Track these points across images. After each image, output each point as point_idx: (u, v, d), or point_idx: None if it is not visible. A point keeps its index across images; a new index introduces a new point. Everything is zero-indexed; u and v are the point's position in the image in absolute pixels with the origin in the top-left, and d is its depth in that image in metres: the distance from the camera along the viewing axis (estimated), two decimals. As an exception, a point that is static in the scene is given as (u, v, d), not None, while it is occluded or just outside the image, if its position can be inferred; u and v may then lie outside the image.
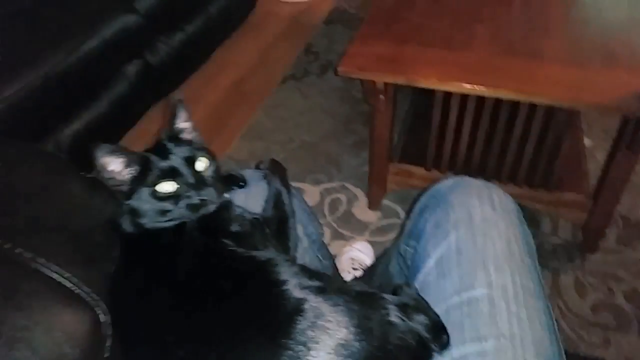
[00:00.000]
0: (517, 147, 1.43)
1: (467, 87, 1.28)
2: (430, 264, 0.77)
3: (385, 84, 1.38)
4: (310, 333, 0.59)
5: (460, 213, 0.79)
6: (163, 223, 0.73)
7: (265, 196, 0.91)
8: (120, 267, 0.72)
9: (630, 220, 1.66)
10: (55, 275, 0.63)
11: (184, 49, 2.14)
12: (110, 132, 1.90)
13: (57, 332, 0.59)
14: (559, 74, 1.30)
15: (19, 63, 1.58)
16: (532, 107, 1.33)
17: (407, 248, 0.89)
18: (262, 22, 2.74)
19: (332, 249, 1.20)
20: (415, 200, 0.92)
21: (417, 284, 0.78)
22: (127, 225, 0.74)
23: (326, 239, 1.60)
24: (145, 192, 0.71)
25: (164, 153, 0.74)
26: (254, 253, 0.72)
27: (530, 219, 0.83)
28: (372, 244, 1.61)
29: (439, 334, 0.67)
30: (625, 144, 1.31)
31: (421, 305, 0.70)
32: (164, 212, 0.72)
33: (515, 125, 1.39)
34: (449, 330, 0.68)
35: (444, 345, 0.66)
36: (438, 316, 0.69)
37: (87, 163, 0.86)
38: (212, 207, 0.74)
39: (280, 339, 0.58)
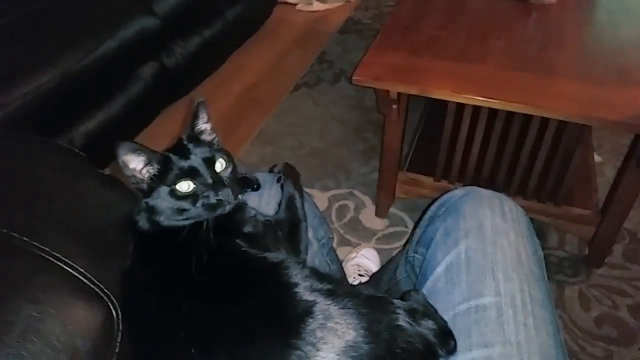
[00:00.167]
0: (527, 161, 1.44)
1: (479, 100, 1.29)
2: (439, 271, 0.78)
3: (399, 94, 1.40)
4: (319, 334, 0.60)
5: (471, 222, 0.80)
6: (180, 222, 0.74)
7: (278, 199, 0.92)
8: (134, 264, 0.73)
9: (637, 235, 1.67)
10: (69, 270, 0.64)
11: (199, 53, 2.16)
12: (124, 132, 1.92)
13: (70, 326, 0.60)
14: (572, 89, 1.31)
15: (37, 62, 1.61)
16: (544, 121, 1.34)
17: (416, 255, 0.90)
18: (277, 30, 2.77)
19: (339, 255, 1.21)
20: (426, 209, 0.93)
21: (425, 291, 0.79)
22: (143, 222, 0.75)
23: (333, 244, 1.61)
24: (164, 190, 0.72)
25: (184, 153, 0.75)
26: (266, 254, 0.73)
27: (538, 232, 0.83)
28: (379, 251, 1.62)
29: (446, 339, 0.68)
30: (635, 161, 1.31)
31: (429, 311, 0.71)
32: (181, 211, 0.73)
33: (527, 139, 1.40)
34: (456, 336, 0.69)
35: (451, 350, 0.67)
36: (445, 322, 0.70)
37: (101, 161, 0.88)
38: (228, 208, 0.75)
39: (290, 339, 0.59)
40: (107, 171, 0.88)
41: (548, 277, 0.79)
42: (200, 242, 0.72)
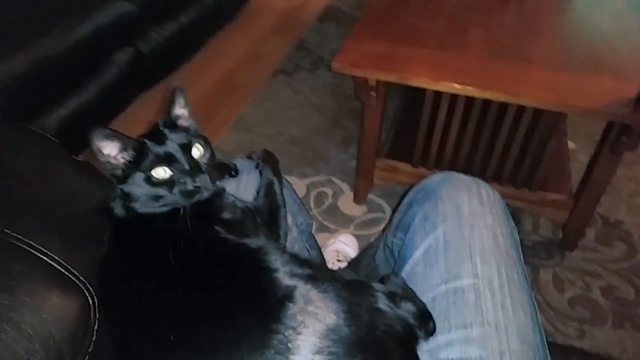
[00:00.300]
0: (503, 148, 1.47)
1: (457, 87, 1.31)
2: (417, 255, 0.79)
3: (377, 82, 1.40)
4: (300, 318, 0.60)
5: (448, 206, 0.81)
6: (156, 209, 0.73)
7: (256, 185, 0.92)
8: (110, 251, 0.72)
9: (609, 220, 1.72)
10: (44, 258, 0.63)
11: (176, 38, 2.13)
12: (97, 119, 1.88)
13: (44, 314, 0.59)
14: (548, 78, 1.33)
15: (8, 46, 1.56)
16: (520, 109, 1.36)
17: (395, 240, 0.91)
18: (255, 16, 2.74)
19: (317, 242, 1.22)
20: (404, 194, 0.94)
21: (404, 274, 0.79)
22: (119, 209, 0.74)
23: (312, 230, 1.62)
24: (139, 177, 0.71)
25: (160, 139, 0.73)
26: (245, 240, 0.73)
27: (513, 217, 0.85)
28: (357, 237, 1.63)
29: (426, 321, 0.68)
30: (608, 147, 1.34)
31: (408, 294, 0.72)
32: (157, 198, 0.72)
33: (502, 126, 1.42)
34: (435, 318, 0.70)
35: (430, 332, 0.68)
36: (424, 304, 0.71)
37: (75, 147, 0.86)
38: (206, 194, 0.74)
39: (270, 323, 0.59)
40: (80, 158, 0.87)
41: (523, 260, 0.81)
42: (178, 229, 0.72)
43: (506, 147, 1.46)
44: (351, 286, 0.67)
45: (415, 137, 1.54)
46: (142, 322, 0.64)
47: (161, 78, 2.14)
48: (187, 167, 0.72)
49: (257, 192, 0.90)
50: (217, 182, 0.78)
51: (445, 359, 0.67)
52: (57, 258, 0.64)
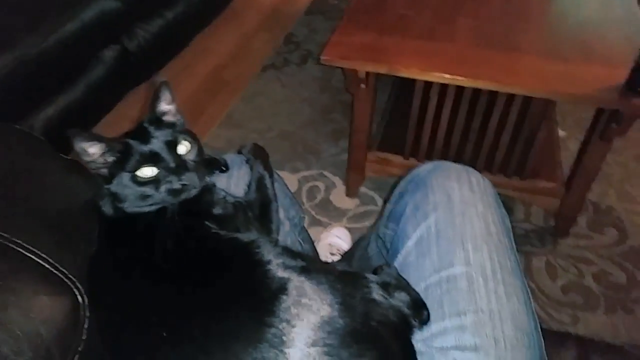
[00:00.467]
0: (493, 137, 1.47)
1: (447, 77, 1.30)
2: (410, 244, 0.79)
3: (367, 73, 1.40)
4: (294, 311, 0.59)
5: (439, 195, 0.81)
6: (144, 208, 0.72)
7: (247, 180, 0.91)
8: (101, 249, 0.72)
9: (600, 206, 1.72)
10: (31, 256, 0.62)
11: (162, 35, 2.11)
12: (86, 117, 1.87)
13: (32, 313, 0.58)
14: (537, 66, 1.33)
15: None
16: (510, 98, 1.37)
17: (387, 231, 0.91)
18: (242, 11, 2.71)
19: (310, 235, 1.22)
20: (395, 185, 0.93)
21: (397, 265, 0.79)
22: (107, 208, 0.73)
23: (304, 224, 1.62)
24: (125, 177, 0.70)
25: (144, 137, 0.72)
26: (237, 235, 0.72)
27: (504, 206, 0.85)
28: (350, 230, 1.63)
29: (420, 310, 0.69)
30: (598, 134, 1.35)
31: (402, 284, 0.72)
32: (145, 197, 0.71)
33: (493, 115, 1.42)
34: (429, 306, 0.70)
35: (424, 320, 0.68)
36: (418, 293, 0.71)
37: (63, 146, 0.85)
38: (194, 192, 0.73)
39: (264, 317, 0.59)
40: (73, 155, 0.85)
41: (516, 249, 0.81)
42: (168, 226, 0.71)
43: (496, 137, 1.46)
44: (345, 277, 0.67)
45: (406, 129, 1.54)
46: (135, 319, 0.64)
47: (149, 75, 2.12)
48: (173, 165, 0.71)
49: (248, 187, 0.89)
50: (207, 178, 0.78)
51: (440, 347, 0.67)
52: (45, 256, 0.63)
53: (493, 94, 1.36)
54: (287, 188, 1.06)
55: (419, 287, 0.72)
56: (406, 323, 0.66)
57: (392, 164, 1.63)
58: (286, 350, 0.57)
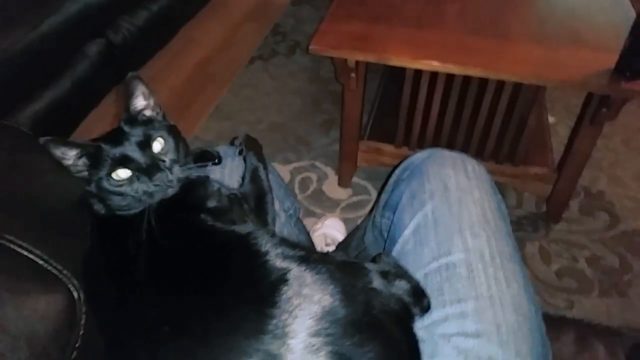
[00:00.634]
0: (484, 124, 1.47)
1: (437, 65, 1.30)
2: (407, 233, 0.79)
3: (357, 62, 1.39)
4: (295, 301, 0.59)
5: (435, 183, 0.81)
6: (130, 206, 0.71)
7: (241, 171, 0.91)
8: (94, 245, 0.71)
9: (592, 191, 1.74)
10: (24, 252, 0.61)
11: (147, 27, 2.07)
12: (72, 113, 1.84)
13: (27, 310, 0.57)
14: (527, 52, 1.33)
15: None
16: (500, 85, 1.36)
17: (383, 220, 0.91)
18: (229, 1, 2.69)
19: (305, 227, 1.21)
20: (390, 173, 0.93)
21: (395, 253, 0.79)
22: (97, 205, 0.73)
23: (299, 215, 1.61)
24: (102, 180, 0.70)
25: (117, 139, 0.71)
26: (234, 227, 0.72)
27: (497, 192, 0.86)
28: (344, 220, 1.63)
29: (420, 298, 0.68)
30: (588, 119, 1.36)
31: (401, 272, 0.72)
32: (125, 197, 0.70)
33: (483, 102, 1.42)
34: (429, 294, 0.69)
35: (425, 308, 0.68)
36: (418, 281, 0.71)
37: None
38: (171, 191, 0.72)
39: (265, 308, 0.58)
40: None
41: (512, 234, 0.81)
42: (162, 220, 0.70)
43: (487, 124, 1.46)
44: (344, 267, 0.67)
45: (397, 118, 1.53)
46: (134, 315, 0.63)
47: (135, 69, 2.07)
48: (144, 166, 0.70)
49: (243, 179, 0.89)
50: (194, 173, 0.76)
51: (442, 334, 0.67)
52: (38, 252, 0.62)
53: (483, 81, 1.36)
54: (281, 179, 1.06)
55: (418, 275, 0.72)
56: (407, 311, 0.66)
57: (384, 153, 1.63)
58: (289, 341, 0.56)
